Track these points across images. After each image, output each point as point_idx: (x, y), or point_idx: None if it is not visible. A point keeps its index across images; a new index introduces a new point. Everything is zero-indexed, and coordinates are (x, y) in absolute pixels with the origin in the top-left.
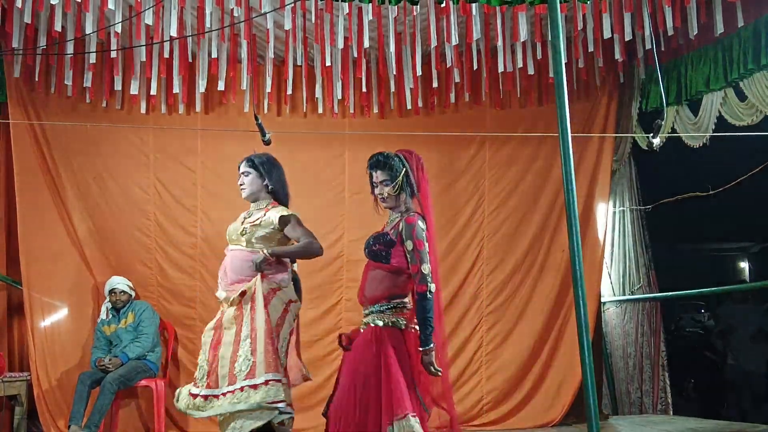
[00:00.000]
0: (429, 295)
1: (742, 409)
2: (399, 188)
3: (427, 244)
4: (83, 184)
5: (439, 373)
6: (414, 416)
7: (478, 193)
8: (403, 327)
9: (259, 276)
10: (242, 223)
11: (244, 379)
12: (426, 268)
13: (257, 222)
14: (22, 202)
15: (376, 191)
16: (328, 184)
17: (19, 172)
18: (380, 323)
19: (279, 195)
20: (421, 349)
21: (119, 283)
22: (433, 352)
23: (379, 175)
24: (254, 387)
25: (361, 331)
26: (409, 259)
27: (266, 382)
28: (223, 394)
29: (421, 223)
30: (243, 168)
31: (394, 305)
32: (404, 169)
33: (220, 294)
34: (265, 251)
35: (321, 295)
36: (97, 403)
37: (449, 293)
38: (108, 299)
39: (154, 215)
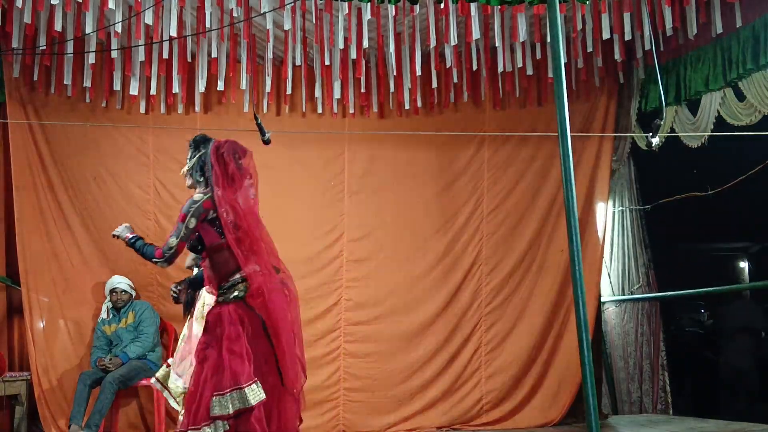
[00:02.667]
0: (157, 262)
1: (741, 409)
2: (190, 170)
3: (193, 219)
4: (83, 184)
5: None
6: (250, 385)
7: (477, 193)
8: (243, 297)
9: None
10: None
11: None
12: (172, 242)
13: None
14: (21, 202)
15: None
16: (327, 184)
17: (18, 172)
18: (221, 300)
19: None
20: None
21: (120, 282)
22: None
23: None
24: None
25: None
26: None
27: None
28: None
29: (196, 197)
30: None
31: (231, 284)
32: (198, 153)
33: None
34: None
35: (320, 295)
36: (98, 403)
37: (448, 293)
38: (108, 299)
39: (154, 215)
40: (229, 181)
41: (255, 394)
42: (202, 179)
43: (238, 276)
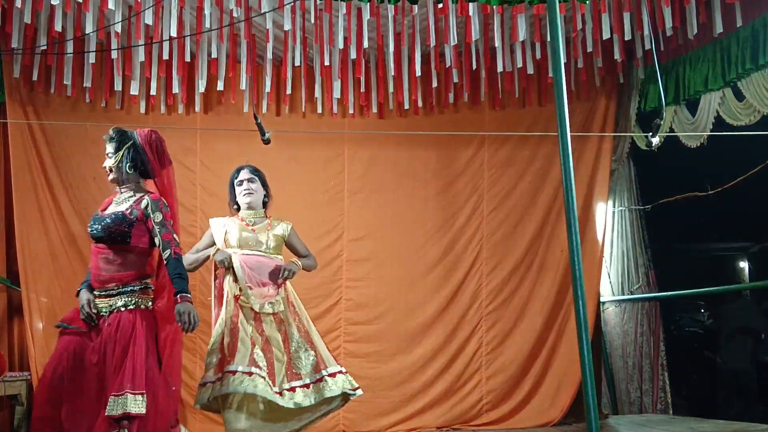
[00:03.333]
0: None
1: (741, 409)
2: (118, 163)
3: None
4: (82, 184)
5: (192, 326)
6: (135, 394)
7: (477, 193)
8: (150, 307)
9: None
10: (261, 232)
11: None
12: (177, 238)
13: (279, 234)
14: (20, 202)
15: (104, 163)
16: (327, 184)
17: (18, 172)
18: (132, 306)
19: (268, 204)
20: (184, 295)
21: None
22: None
23: (107, 148)
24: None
25: (103, 314)
26: (158, 231)
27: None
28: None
29: (154, 197)
30: (248, 174)
31: (144, 285)
32: (126, 145)
33: (255, 299)
34: (298, 262)
35: (320, 295)
36: None
37: (448, 293)
38: None
39: None
40: (162, 170)
41: (137, 404)
42: (133, 171)
43: (149, 281)
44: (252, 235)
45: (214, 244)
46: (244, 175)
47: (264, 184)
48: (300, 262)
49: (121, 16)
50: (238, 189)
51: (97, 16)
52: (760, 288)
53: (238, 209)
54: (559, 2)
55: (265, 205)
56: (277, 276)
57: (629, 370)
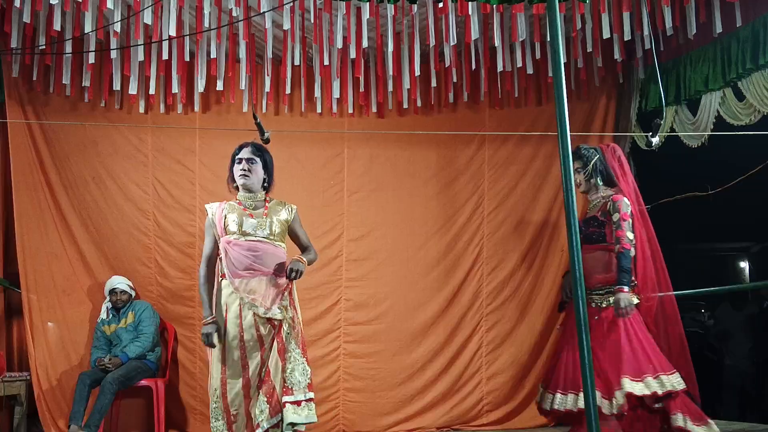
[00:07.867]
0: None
1: (741, 409)
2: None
3: None
4: (82, 184)
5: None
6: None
7: (478, 193)
8: None
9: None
10: (262, 217)
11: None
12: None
13: (284, 218)
14: (20, 202)
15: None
16: (326, 184)
17: (17, 172)
18: None
19: (269, 188)
20: (619, 287)
21: (120, 282)
22: None
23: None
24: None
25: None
26: (614, 228)
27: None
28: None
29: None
30: (248, 154)
31: None
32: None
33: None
34: (303, 259)
35: (320, 295)
36: (97, 403)
37: (449, 293)
38: (108, 299)
39: (153, 215)
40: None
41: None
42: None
43: None
44: (253, 221)
45: (216, 243)
46: (245, 154)
47: (266, 167)
48: (304, 258)
49: (120, 15)
50: (236, 167)
51: (96, 15)
52: (760, 288)
53: (238, 188)
54: (559, 2)
55: (265, 189)
56: (283, 268)
57: None
